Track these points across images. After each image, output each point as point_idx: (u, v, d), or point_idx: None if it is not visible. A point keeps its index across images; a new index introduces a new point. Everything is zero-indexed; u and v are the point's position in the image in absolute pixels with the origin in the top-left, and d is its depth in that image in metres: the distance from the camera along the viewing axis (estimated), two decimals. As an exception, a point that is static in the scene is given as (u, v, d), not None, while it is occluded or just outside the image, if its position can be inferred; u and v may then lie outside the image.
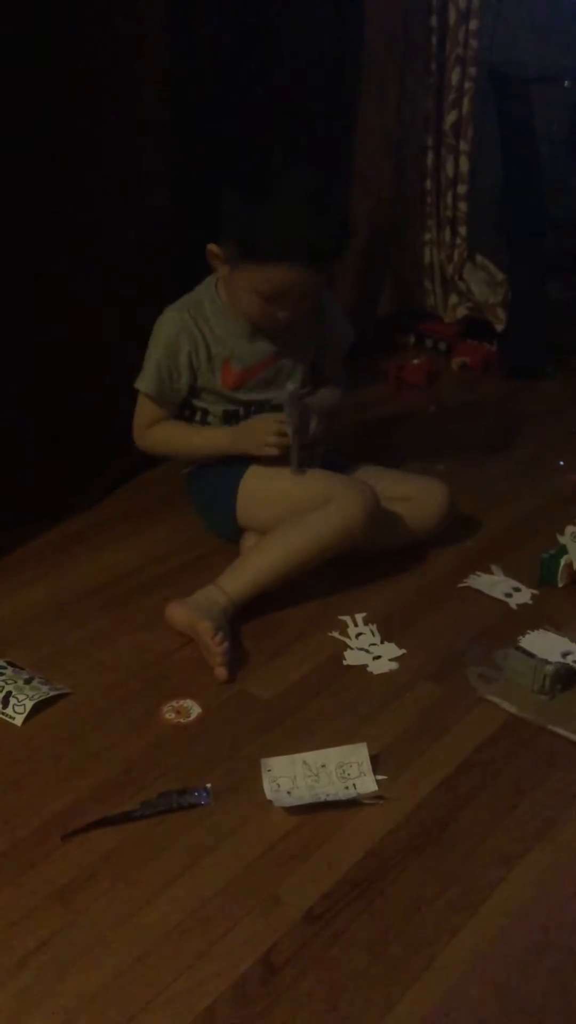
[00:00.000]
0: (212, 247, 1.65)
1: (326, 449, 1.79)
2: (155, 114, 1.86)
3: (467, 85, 2.61)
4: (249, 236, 1.58)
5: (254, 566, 1.61)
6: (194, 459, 1.79)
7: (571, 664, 1.45)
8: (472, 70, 2.59)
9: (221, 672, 1.48)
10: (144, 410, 1.74)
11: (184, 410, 1.76)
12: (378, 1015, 1.01)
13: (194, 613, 1.52)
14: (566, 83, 2.69)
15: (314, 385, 1.80)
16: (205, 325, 1.69)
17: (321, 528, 1.61)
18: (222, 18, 1.97)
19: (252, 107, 2.08)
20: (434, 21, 2.57)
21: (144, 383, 1.70)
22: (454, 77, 2.61)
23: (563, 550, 1.73)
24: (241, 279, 1.63)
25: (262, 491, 1.71)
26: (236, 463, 1.72)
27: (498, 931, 1.10)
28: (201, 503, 1.83)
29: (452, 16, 2.56)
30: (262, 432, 1.67)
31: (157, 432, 1.75)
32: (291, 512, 1.64)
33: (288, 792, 1.27)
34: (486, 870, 1.18)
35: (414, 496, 1.77)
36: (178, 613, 1.56)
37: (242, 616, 1.59)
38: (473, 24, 2.56)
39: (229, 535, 1.77)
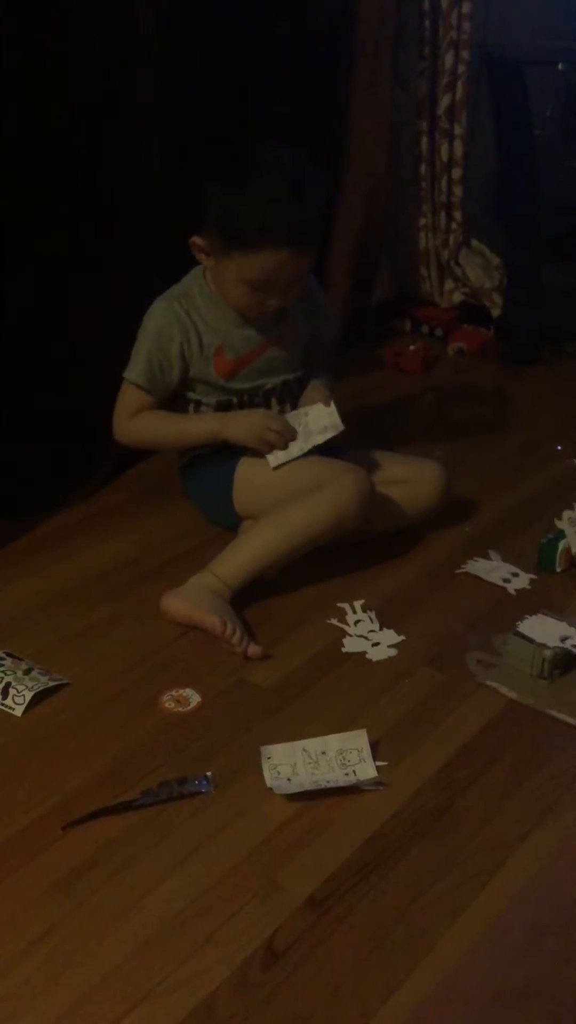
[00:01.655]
0: (196, 239, 1.65)
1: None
2: (146, 98, 1.85)
3: (461, 69, 2.60)
4: (231, 224, 1.58)
5: (247, 551, 1.61)
6: (179, 446, 1.77)
7: (570, 648, 1.46)
8: (466, 53, 2.58)
9: (254, 651, 1.50)
10: (128, 399, 1.71)
11: (176, 403, 1.75)
12: (379, 1000, 1.01)
13: (195, 608, 1.53)
14: (560, 65, 2.67)
15: (306, 373, 1.79)
16: (196, 315, 1.69)
17: (314, 512, 1.60)
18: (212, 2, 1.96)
19: (241, 92, 2.06)
20: (427, 4, 2.55)
21: (133, 372, 1.69)
22: (448, 61, 2.60)
23: (561, 535, 1.73)
24: (228, 269, 1.62)
25: (258, 478, 1.71)
26: (230, 452, 1.72)
27: (498, 916, 1.10)
28: (198, 494, 1.82)
29: (445, -1, 2.55)
30: (261, 426, 1.67)
31: (141, 420, 1.72)
32: (287, 496, 1.64)
33: (288, 779, 1.27)
34: (486, 855, 1.18)
35: (410, 478, 1.77)
36: (175, 605, 1.56)
37: (240, 604, 1.59)
38: (466, 7, 2.54)
39: (227, 524, 1.76)
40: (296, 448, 1.68)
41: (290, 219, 1.56)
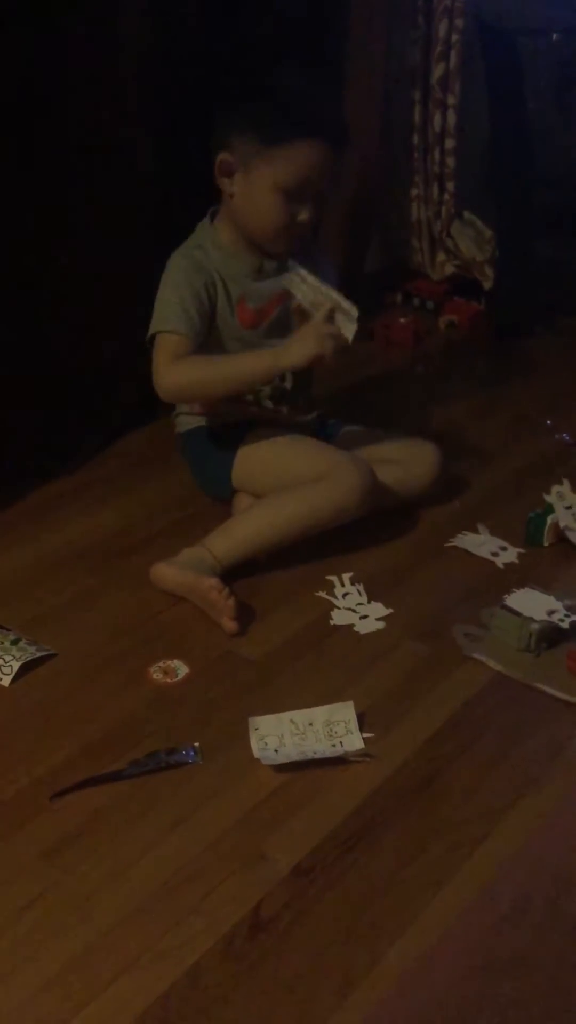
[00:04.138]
0: (223, 156, 1.60)
1: (319, 413, 1.79)
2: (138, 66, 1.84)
3: (454, 38, 2.58)
4: (267, 121, 1.56)
5: (245, 530, 1.61)
6: (231, 388, 1.65)
7: (556, 622, 1.46)
8: (459, 22, 2.56)
9: (231, 625, 1.49)
10: (166, 348, 1.60)
11: None
12: (364, 968, 1.02)
13: (190, 572, 1.53)
14: (554, 36, 2.64)
15: None
16: (213, 263, 1.66)
17: (316, 502, 1.60)
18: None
19: (232, 62, 2.03)
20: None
21: (167, 321, 1.61)
22: (441, 29, 2.57)
23: (549, 509, 1.73)
24: (260, 178, 1.59)
25: (261, 455, 1.70)
26: (231, 429, 1.71)
27: (483, 886, 1.11)
28: (196, 461, 1.81)
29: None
30: (316, 337, 1.54)
31: (184, 365, 1.59)
32: (288, 480, 1.63)
33: (275, 750, 1.28)
34: (471, 826, 1.19)
35: (405, 459, 1.76)
36: (169, 574, 1.55)
37: (229, 576, 1.59)
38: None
39: (220, 495, 1.75)
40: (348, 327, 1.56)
41: (326, 113, 1.60)
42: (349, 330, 1.54)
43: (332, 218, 2.45)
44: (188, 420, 1.78)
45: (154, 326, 1.62)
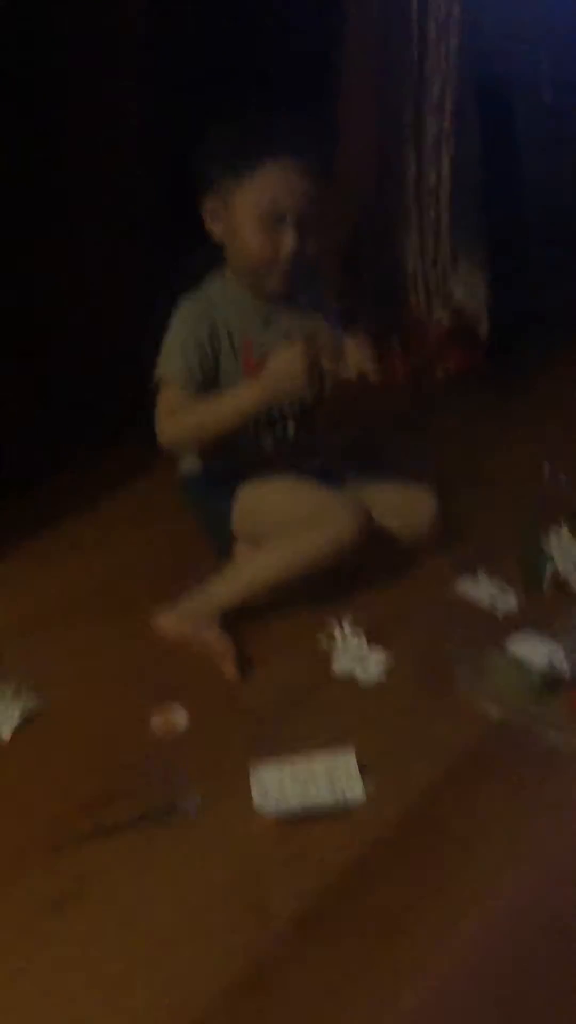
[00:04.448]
0: (208, 203, 1.64)
1: (320, 461, 1.81)
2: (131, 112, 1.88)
3: (447, 94, 2.63)
4: (230, 153, 1.60)
5: (244, 577, 1.62)
6: (226, 428, 1.63)
7: (556, 667, 1.46)
8: (453, 80, 2.61)
9: (231, 672, 1.50)
10: (167, 398, 1.64)
11: None
12: (367, 1022, 1.01)
13: (191, 623, 1.55)
14: (546, 91, 2.70)
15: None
16: (220, 313, 1.68)
17: (312, 546, 1.61)
18: (200, 23, 1.98)
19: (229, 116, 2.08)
20: (415, 31, 2.58)
21: (169, 369, 1.64)
22: (435, 87, 2.63)
23: (548, 554, 1.74)
24: (238, 212, 1.62)
25: (258, 504, 1.71)
26: (231, 474, 1.73)
27: (483, 938, 1.10)
28: (197, 511, 1.83)
29: (432, 27, 2.57)
30: (301, 366, 1.54)
31: (180, 415, 1.63)
32: (285, 523, 1.64)
33: (276, 800, 1.27)
34: (473, 877, 1.18)
35: (404, 506, 1.77)
36: (172, 623, 1.57)
37: (229, 624, 1.59)
38: (452, 35, 2.57)
39: (224, 545, 1.75)
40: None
41: (287, 130, 1.60)
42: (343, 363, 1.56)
43: (329, 268, 2.49)
44: (189, 461, 1.80)
45: (157, 371, 1.66)
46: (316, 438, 1.82)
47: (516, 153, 2.68)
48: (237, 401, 1.62)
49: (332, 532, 1.61)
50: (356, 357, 1.58)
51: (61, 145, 1.82)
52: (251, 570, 1.63)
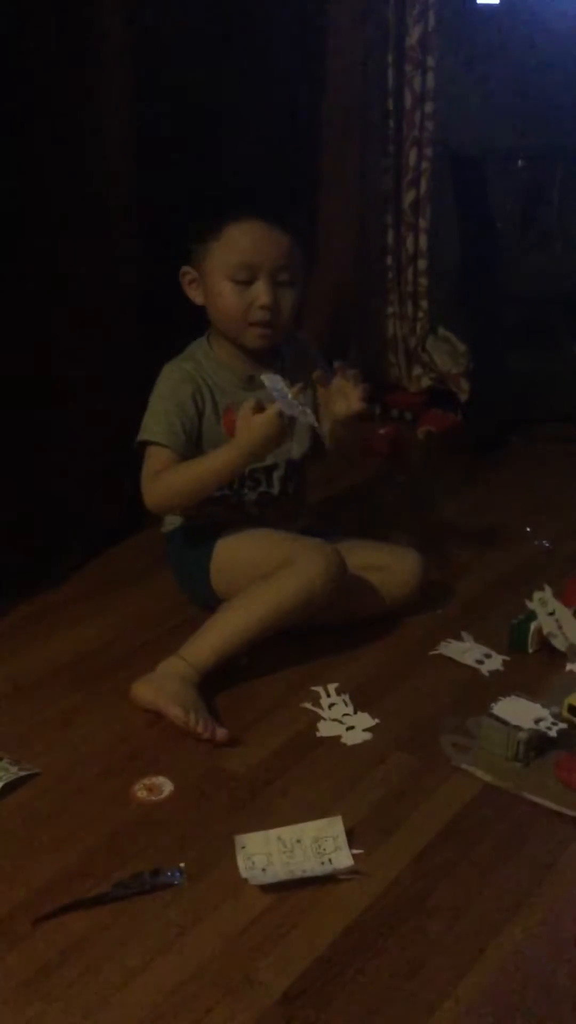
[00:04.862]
0: (183, 268, 1.70)
1: (304, 521, 1.81)
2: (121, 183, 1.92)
3: (424, 165, 2.71)
4: (202, 221, 1.66)
5: (215, 634, 1.60)
6: (208, 490, 1.66)
7: (544, 730, 1.45)
8: (428, 150, 2.69)
9: (221, 735, 1.47)
10: (151, 462, 1.66)
11: None
12: None
13: (160, 696, 1.51)
14: (520, 162, 2.77)
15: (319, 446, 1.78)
16: (204, 375, 1.71)
17: (281, 591, 1.60)
18: (179, 98, 2.03)
19: (210, 190, 2.12)
20: (391, 104, 2.66)
21: (153, 432, 1.66)
22: (411, 157, 2.70)
23: (532, 616, 1.74)
24: (210, 274, 1.66)
25: (233, 559, 1.71)
26: (207, 532, 1.73)
27: (477, 1006, 1.08)
28: (177, 571, 1.83)
29: (408, 99, 2.66)
30: (276, 429, 1.56)
31: (166, 476, 1.65)
32: (261, 574, 1.63)
33: (263, 869, 1.25)
34: (463, 946, 1.16)
35: (388, 566, 1.78)
36: (142, 692, 1.54)
37: (213, 688, 1.58)
38: (428, 106, 2.66)
39: (205, 604, 1.75)
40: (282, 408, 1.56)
41: (250, 190, 1.68)
42: (305, 417, 1.57)
43: (310, 335, 2.52)
44: (171, 519, 1.80)
45: (141, 434, 1.68)
46: (300, 497, 1.82)
47: (491, 226, 2.74)
48: (215, 463, 1.63)
49: (301, 577, 1.60)
50: (349, 396, 1.61)
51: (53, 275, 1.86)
52: (222, 626, 1.60)
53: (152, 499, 1.68)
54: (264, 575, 1.63)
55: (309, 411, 1.59)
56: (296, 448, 1.75)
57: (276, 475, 1.76)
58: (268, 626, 1.60)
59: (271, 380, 1.57)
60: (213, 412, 1.71)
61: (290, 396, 1.55)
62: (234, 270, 1.64)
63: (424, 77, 2.64)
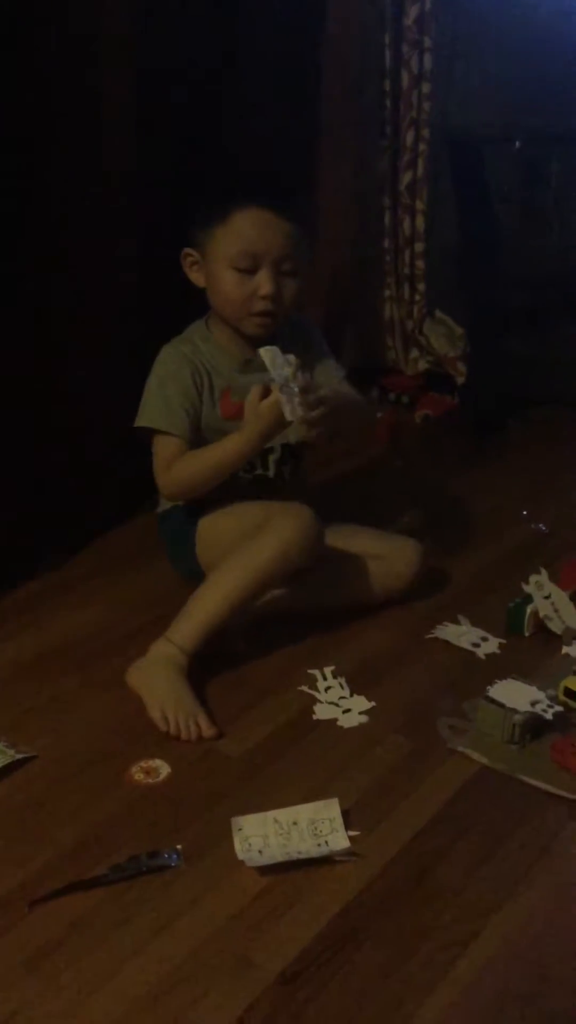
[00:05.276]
0: (185, 250, 1.69)
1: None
2: (120, 170, 1.90)
3: (421, 147, 2.68)
4: (206, 207, 1.65)
5: (198, 609, 1.58)
6: (219, 476, 1.66)
7: (540, 713, 1.46)
8: (426, 132, 2.67)
9: (209, 732, 1.46)
10: (161, 451, 1.67)
11: None
12: (355, 1078, 0.99)
13: (146, 693, 1.51)
14: (517, 143, 2.76)
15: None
16: (201, 358, 1.70)
17: (256, 555, 1.59)
18: (180, 83, 2.01)
19: (210, 170, 2.11)
20: (388, 85, 2.64)
21: (157, 420, 1.66)
22: (408, 139, 2.68)
23: (528, 599, 1.74)
24: (213, 260, 1.65)
25: (215, 531, 1.71)
26: (192, 509, 1.73)
27: (471, 987, 1.09)
28: (169, 550, 1.83)
29: (405, 79, 2.64)
30: (267, 409, 1.55)
31: (179, 466, 1.66)
32: (239, 546, 1.62)
33: (259, 851, 1.25)
34: (460, 926, 1.17)
35: (387, 554, 1.77)
36: (132, 679, 1.54)
37: (209, 672, 1.58)
38: (426, 87, 2.64)
39: (189, 570, 1.75)
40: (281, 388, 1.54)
41: (258, 177, 1.65)
42: (291, 412, 1.53)
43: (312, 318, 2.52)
44: (164, 501, 1.80)
45: (144, 419, 1.67)
46: (297, 481, 1.82)
47: (489, 208, 2.72)
48: (227, 450, 1.63)
49: (275, 537, 1.59)
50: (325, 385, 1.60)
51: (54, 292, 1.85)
52: (204, 601, 1.59)
53: (169, 490, 1.71)
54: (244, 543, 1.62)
55: (297, 401, 1.57)
56: (292, 433, 1.74)
57: (272, 458, 1.76)
58: (249, 592, 1.59)
59: (269, 354, 1.54)
60: (210, 395, 1.70)
61: (288, 375, 1.52)
62: (237, 258, 1.63)
63: (421, 57, 2.62)
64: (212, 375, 1.70)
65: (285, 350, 1.55)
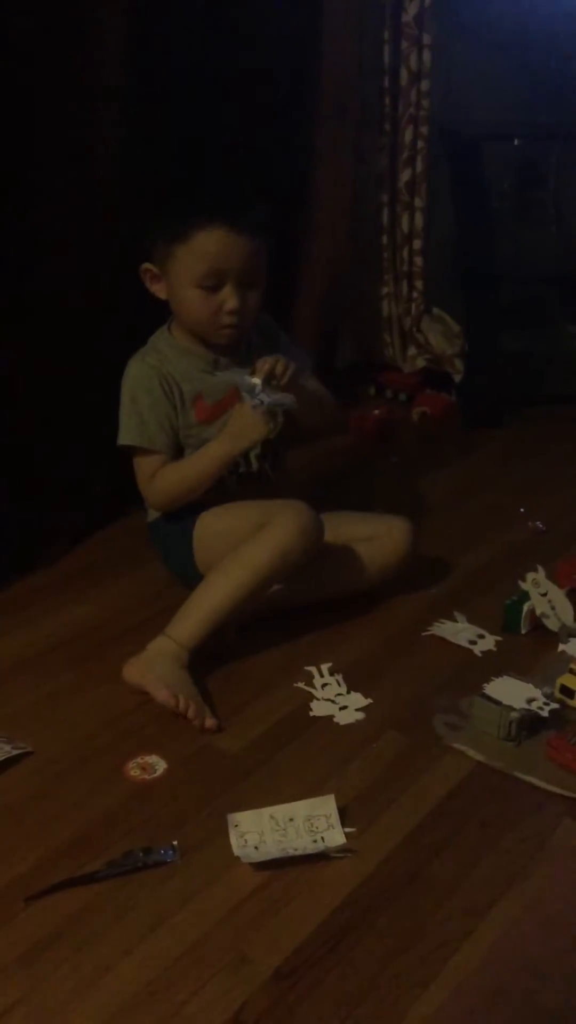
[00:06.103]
0: (145, 265, 1.68)
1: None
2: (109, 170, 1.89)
3: (420, 144, 2.68)
4: (165, 225, 1.63)
5: (199, 607, 1.59)
6: (205, 483, 1.70)
7: (536, 710, 1.46)
8: (424, 129, 2.67)
9: (210, 724, 1.47)
10: (142, 466, 1.71)
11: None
12: (350, 1074, 0.99)
13: (149, 679, 1.51)
14: (515, 141, 2.76)
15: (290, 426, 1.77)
16: (169, 366, 1.70)
17: (258, 554, 1.59)
18: (176, 73, 2.00)
19: (203, 164, 2.10)
20: (387, 82, 2.64)
21: (135, 437, 1.68)
22: (407, 136, 2.68)
23: (525, 596, 1.74)
24: (176, 278, 1.64)
25: (213, 533, 1.71)
26: (186, 512, 1.73)
27: (467, 983, 1.09)
28: (163, 554, 1.82)
29: (404, 77, 2.63)
30: (258, 421, 1.61)
31: (161, 479, 1.70)
32: (237, 546, 1.62)
33: (256, 847, 1.25)
34: (456, 922, 1.17)
35: (376, 535, 1.77)
36: (131, 673, 1.54)
37: (205, 668, 1.58)
38: (424, 84, 2.63)
39: (193, 583, 1.75)
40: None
41: (218, 194, 1.64)
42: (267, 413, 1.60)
43: (303, 314, 2.51)
44: (152, 512, 1.80)
45: (122, 437, 1.70)
46: (280, 473, 1.82)
47: (487, 205, 2.73)
48: (211, 458, 1.67)
49: (276, 535, 1.60)
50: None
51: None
52: (204, 599, 1.59)
53: (156, 502, 1.74)
54: (242, 543, 1.62)
55: (287, 394, 1.59)
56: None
57: (252, 454, 1.76)
58: (250, 590, 1.59)
59: (239, 383, 1.60)
60: (181, 402, 1.71)
61: (257, 384, 1.57)
62: (202, 278, 1.62)
63: (420, 54, 2.62)
64: (181, 382, 1.70)
65: (249, 357, 1.64)
